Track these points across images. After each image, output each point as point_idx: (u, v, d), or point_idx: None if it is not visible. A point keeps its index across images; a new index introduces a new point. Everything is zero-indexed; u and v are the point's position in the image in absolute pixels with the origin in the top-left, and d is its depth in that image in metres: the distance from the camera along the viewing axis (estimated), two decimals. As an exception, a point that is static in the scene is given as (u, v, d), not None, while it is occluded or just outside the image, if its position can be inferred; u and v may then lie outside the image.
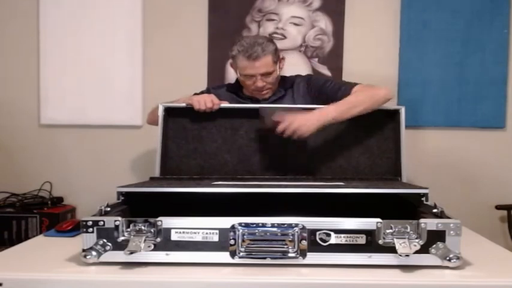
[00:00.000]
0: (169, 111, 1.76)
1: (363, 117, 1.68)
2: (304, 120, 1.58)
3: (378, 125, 1.74)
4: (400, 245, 1.01)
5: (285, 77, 1.92)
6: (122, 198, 1.23)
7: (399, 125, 1.69)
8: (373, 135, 1.73)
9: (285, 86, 1.87)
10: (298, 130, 1.57)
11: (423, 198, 1.22)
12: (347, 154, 1.73)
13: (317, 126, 1.59)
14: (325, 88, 1.80)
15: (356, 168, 1.73)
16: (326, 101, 1.70)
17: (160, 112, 1.73)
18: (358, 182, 1.44)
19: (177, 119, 1.77)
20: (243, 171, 1.74)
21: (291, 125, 1.57)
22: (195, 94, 1.88)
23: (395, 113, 1.72)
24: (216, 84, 2.15)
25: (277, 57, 1.83)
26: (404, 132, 1.69)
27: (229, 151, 1.75)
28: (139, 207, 1.25)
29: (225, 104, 1.74)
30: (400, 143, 1.69)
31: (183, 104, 1.74)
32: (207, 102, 1.69)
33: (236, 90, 1.91)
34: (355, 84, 1.75)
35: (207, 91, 1.92)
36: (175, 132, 1.76)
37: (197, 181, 1.50)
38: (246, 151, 1.75)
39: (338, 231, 1.04)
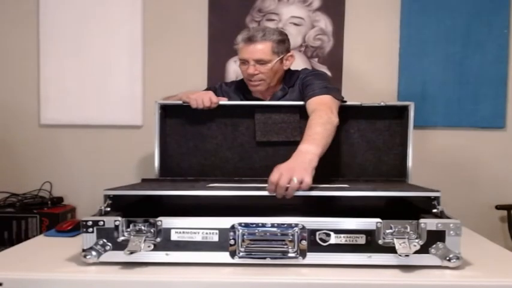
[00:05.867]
0: (167, 109, 1.75)
1: (369, 114, 1.68)
2: (299, 167, 1.22)
3: (385, 121, 1.71)
4: (400, 245, 1.01)
5: (293, 73, 1.85)
6: (110, 201, 1.19)
7: (407, 121, 1.66)
8: (379, 131, 1.71)
9: (289, 84, 1.82)
10: (304, 179, 1.18)
11: (434, 202, 1.16)
12: (352, 151, 1.71)
13: (313, 171, 1.26)
14: (304, 82, 1.75)
15: (361, 165, 1.71)
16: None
17: (157, 110, 1.72)
18: (363, 184, 1.41)
19: (175, 116, 1.74)
20: (245, 169, 1.72)
21: (287, 172, 1.19)
22: (207, 89, 1.88)
23: (403, 109, 1.69)
24: (224, 82, 2.11)
25: (282, 50, 1.75)
26: (412, 129, 1.66)
27: (230, 148, 1.73)
28: (132, 211, 1.23)
29: (224, 101, 1.72)
30: (408, 140, 1.65)
31: (180, 102, 1.72)
32: (205, 101, 1.67)
33: (244, 89, 1.87)
34: (317, 94, 1.62)
35: (219, 87, 1.91)
36: (174, 130, 1.74)
37: (192, 183, 1.47)
38: (247, 148, 1.73)
39: (338, 231, 1.04)
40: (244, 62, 1.75)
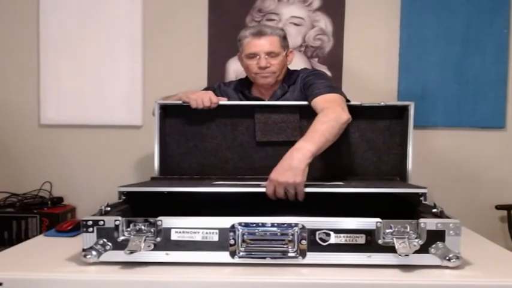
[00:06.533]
0: (167, 108, 1.74)
1: (369, 113, 1.68)
2: (289, 174, 1.24)
3: (385, 121, 1.71)
4: (399, 244, 1.01)
5: (292, 72, 1.87)
6: (124, 197, 1.23)
7: (407, 121, 1.66)
8: (379, 131, 1.71)
9: (289, 82, 1.82)
10: (297, 188, 1.24)
11: (422, 198, 1.21)
12: (352, 151, 1.71)
13: (305, 170, 1.28)
14: (306, 81, 1.76)
15: (361, 165, 1.71)
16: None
17: (157, 110, 1.72)
18: (358, 182, 1.43)
19: (175, 116, 1.74)
20: (245, 169, 1.72)
21: (279, 185, 1.24)
22: (206, 89, 1.89)
23: (403, 109, 1.69)
24: (224, 81, 2.12)
25: (286, 45, 1.81)
26: (412, 129, 1.65)
27: (229, 148, 1.73)
28: (140, 207, 1.25)
29: (224, 101, 1.72)
30: (408, 140, 1.65)
31: (180, 102, 1.72)
32: (205, 101, 1.67)
33: (243, 88, 1.87)
34: (323, 92, 1.63)
35: (218, 87, 1.92)
36: (174, 130, 1.74)
37: (198, 181, 1.49)
38: (247, 148, 1.72)
39: (338, 231, 1.04)
40: (253, 56, 1.76)
